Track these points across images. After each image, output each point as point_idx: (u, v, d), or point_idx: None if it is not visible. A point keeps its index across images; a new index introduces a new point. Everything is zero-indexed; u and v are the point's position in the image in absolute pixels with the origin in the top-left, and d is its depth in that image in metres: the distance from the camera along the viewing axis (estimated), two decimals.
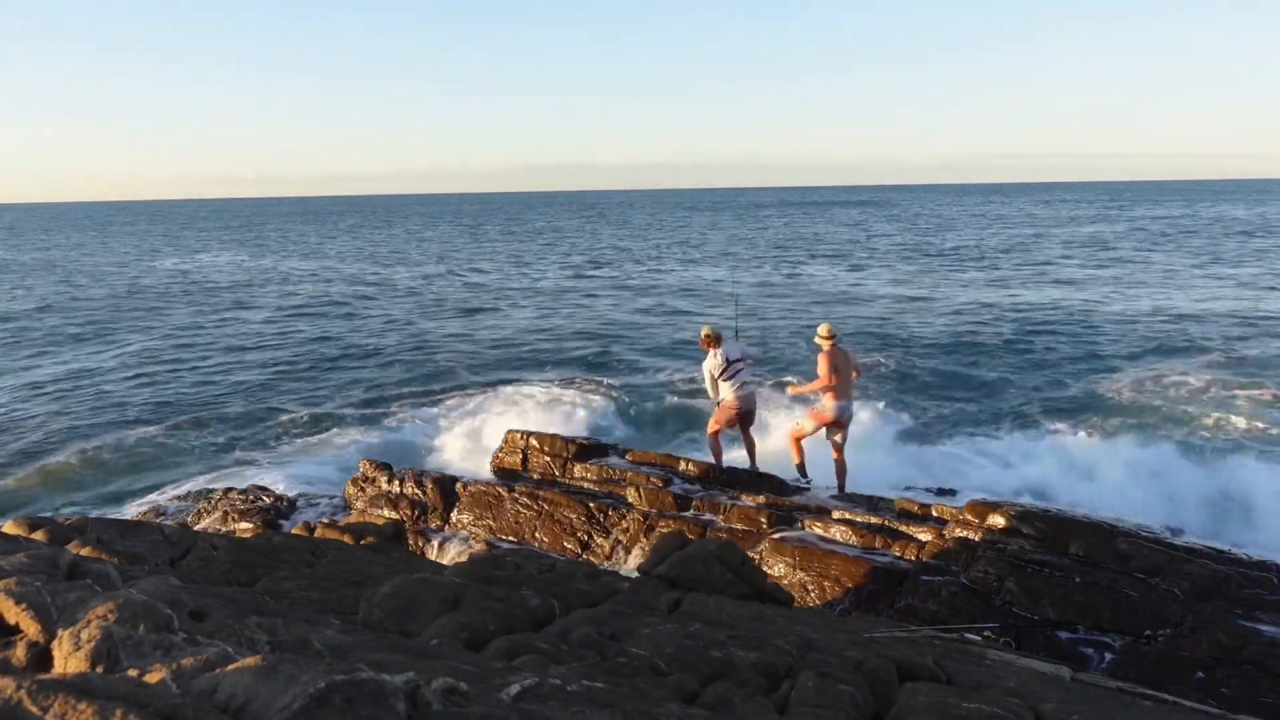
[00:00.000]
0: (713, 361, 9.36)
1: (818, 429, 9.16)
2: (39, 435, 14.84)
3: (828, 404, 8.99)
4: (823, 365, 8.93)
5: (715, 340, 9.40)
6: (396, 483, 9.82)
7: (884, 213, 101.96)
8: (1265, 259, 38.58)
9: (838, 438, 9.15)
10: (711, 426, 9.65)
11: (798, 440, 9.35)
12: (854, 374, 9.26)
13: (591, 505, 8.90)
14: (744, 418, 9.50)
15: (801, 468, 9.41)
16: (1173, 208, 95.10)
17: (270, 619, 2.38)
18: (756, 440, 9.88)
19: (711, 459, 9.69)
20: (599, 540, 8.65)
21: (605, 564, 8.25)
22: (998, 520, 7.32)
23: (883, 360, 18.83)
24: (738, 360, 9.39)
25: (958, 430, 13.88)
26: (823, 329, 9.10)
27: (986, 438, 13.31)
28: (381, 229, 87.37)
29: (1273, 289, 28.87)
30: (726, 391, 9.33)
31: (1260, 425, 13.56)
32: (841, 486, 9.19)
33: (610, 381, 17.75)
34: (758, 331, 21.83)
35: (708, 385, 9.57)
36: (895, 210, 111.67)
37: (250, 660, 1.71)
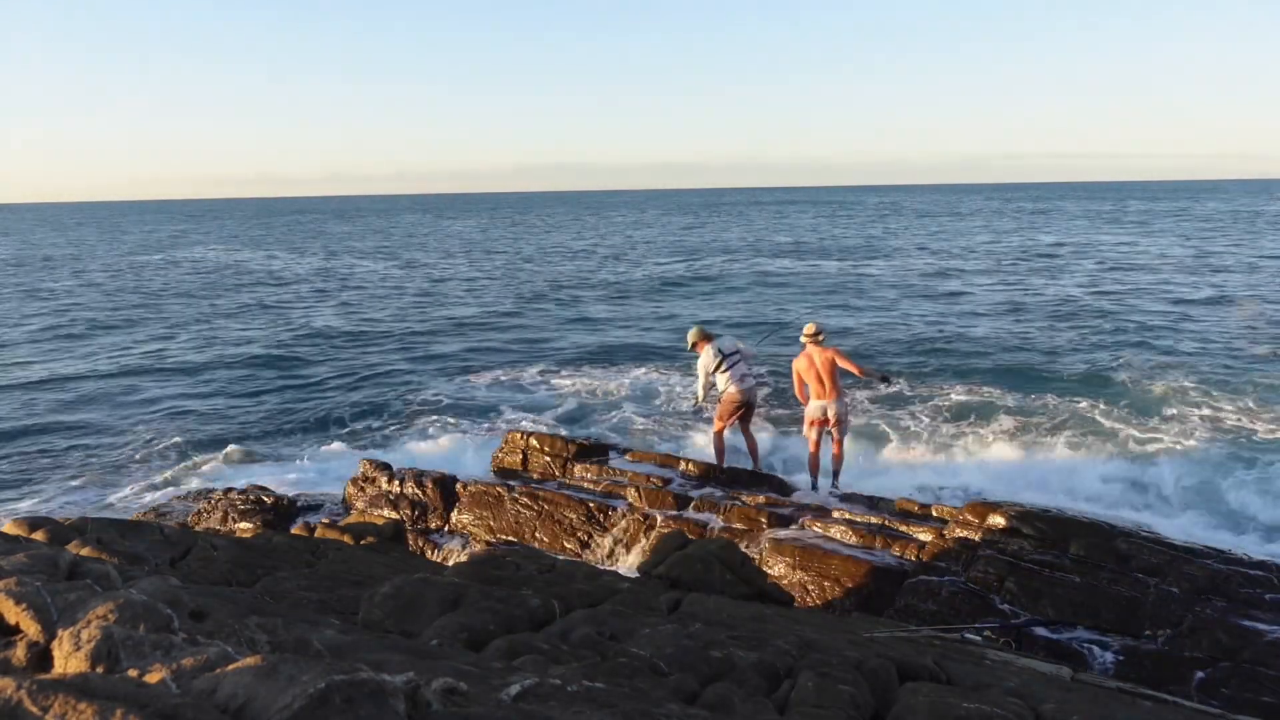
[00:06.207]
0: (706, 358, 9.38)
1: (818, 431, 9.20)
2: (37, 435, 14.84)
3: (810, 405, 9.13)
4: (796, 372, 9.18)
5: (705, 338, 9.46)
6: (396, 483, 9.81)
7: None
8: None
9: (834, 433, 9.19)
10: (716, 424, 9.65)
11: (814, 445, 9.31)
12: (833, 371, 9.00)
13: (591, 505, 8.90)
14: (746, 411, 9.50)
15: (812, 470, 9.26)
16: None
17: (270, 619, 2.38)
18: (758, 439, 9.90)
19: (712, 459, 9.69)
20: (599, 540, 8.65)
21: (605, 564, 8.25)
22: (998, 520, 7.32)
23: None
24: (734, 354, 9.39)
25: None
26: (808, 327, 9.04)
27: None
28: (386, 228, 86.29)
29: None
30: (728, 385, 9.34)
31: None
32: (835, 474, 9.18)
33: (610, 380, 17.74)
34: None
35: (699, 385, 9.56)
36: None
37: (250, 660, 1.71)
